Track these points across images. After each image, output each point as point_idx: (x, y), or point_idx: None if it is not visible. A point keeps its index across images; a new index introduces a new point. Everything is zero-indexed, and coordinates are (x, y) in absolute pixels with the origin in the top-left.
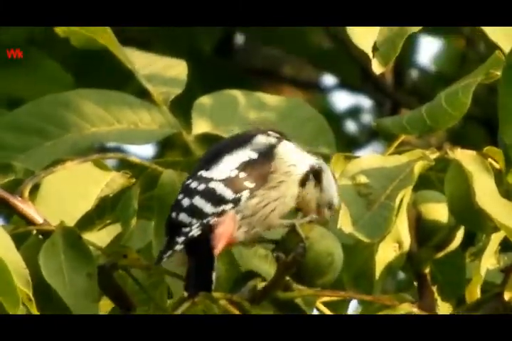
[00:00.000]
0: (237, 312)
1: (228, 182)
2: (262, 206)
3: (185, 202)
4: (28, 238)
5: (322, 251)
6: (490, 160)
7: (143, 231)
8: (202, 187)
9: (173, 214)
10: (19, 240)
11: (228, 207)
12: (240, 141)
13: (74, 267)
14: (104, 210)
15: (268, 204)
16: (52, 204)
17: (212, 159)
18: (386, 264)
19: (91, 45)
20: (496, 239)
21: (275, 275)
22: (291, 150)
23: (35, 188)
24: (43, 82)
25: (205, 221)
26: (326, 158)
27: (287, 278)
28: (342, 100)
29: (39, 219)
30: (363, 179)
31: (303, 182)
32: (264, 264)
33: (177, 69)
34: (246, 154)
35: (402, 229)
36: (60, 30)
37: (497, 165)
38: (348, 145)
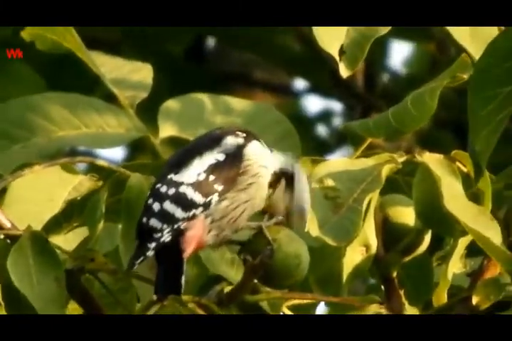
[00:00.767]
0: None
1: (197, 185)
2: (231, 209)
3: (156, 206)
4: None
5: (290, 252)
6: (458, 163)
7: (110, 235)
8: (172, 191)
9: (144, 219)
10: None
11: (198, 211)
12: (208, 143)
13: (42, 271)
14: (71, 214)
15: (238, 207)
16: (19, 208)
17: (180, 162)
18: (353, 267)
19: (56, 49)
20: (463, 243)
21: (242, 277)
22: (260, 151)
23: (3, 192)
24: (14, 85)
25: (176, 226)
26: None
27: (255, 280)
28: (313, 104)
29: (7, 224)
30: (330, 182)
31: (272, 184)
32: (231, 270)
33: (143, 73)
34: (213, 156)
35: (369, 232)
36: (25, 34)
37: (465, 169)
38: (319, 149)
